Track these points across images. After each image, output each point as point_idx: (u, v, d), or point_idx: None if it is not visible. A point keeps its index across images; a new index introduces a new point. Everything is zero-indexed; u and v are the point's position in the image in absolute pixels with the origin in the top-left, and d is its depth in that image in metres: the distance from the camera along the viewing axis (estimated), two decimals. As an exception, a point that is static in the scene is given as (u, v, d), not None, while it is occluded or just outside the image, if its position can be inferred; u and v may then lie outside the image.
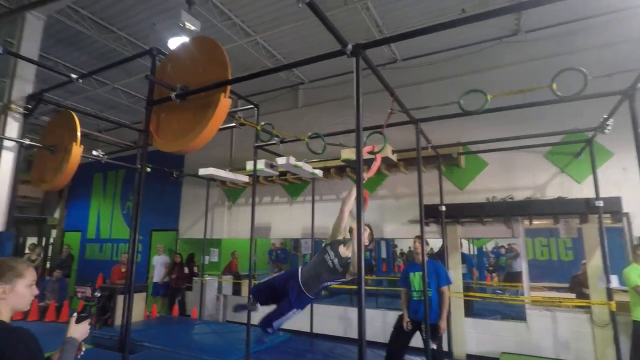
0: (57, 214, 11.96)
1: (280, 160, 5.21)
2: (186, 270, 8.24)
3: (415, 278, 4.26)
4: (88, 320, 1.77)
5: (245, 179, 6.74)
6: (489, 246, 10.59)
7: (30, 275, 1.63)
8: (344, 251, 3.05)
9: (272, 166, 5.78)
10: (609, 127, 3.84)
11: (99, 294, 8.40)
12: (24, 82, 4.99)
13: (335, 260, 3.01)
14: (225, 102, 3.14)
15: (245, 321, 7.41)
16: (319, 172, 5.99)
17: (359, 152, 2.37)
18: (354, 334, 6.50)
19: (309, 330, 6.41)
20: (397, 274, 12.00)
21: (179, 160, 9.08)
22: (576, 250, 8.18)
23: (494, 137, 5.25)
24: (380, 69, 7.04)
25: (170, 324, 6.91)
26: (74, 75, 4.23)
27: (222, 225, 8.43)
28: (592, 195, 5.01)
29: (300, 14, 5.64)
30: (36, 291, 1.67)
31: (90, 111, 6.13)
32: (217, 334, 6.25)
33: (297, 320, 6.87)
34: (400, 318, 4.32)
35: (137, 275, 7.36)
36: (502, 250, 10.02)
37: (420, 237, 4.27)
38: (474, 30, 5.90)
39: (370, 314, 6.51)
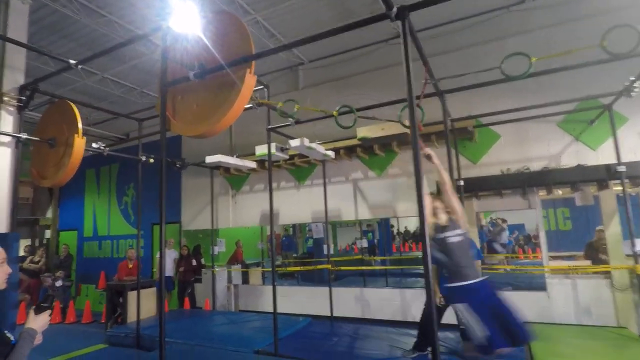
0: (49, 214, 11.54)
1: (294, 142, 5.03)
2: (194, 262, 8.05)
3: (446, 254, 4.19)
4: (49, 312, 1.73)
5: (253, 164, 6.53)
6: (484, 220, 10.71)
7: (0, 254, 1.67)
8: (443, 221, 3.11)
9: (282, 149, 5.60)
10: (636, 90, 3.78)
11: (61, 283, 8.22)
12: (15, 72, 4.65)
13: (454, 233, 3.02)
14: (251, 79, 2.94)
15: (259, 309, 7.39)
16: (331, 154, 5.83)
17: (413, 123, 2.22)
18: (372, 315, 6.52)
19: (328, 314, 6.36)
20: (396, 254, 12.07)
21: (176, 151, 8.79)
22: (575, 219, 8.32)
23: (506, 108, 5.18)
24: (383, 45, 6.89)
25: (184, 317, 6.76)
26: (72, 61, 3.92)
27: (227, 215, 8.24)
28: (608, 161, 5.02)
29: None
30: (9, 269, 1.70)
31: (84, 102, 5.79)
32: (235, 323, 6.14)
33: (316, 305, 6.84)
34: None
35: (142, 271, 7.23)
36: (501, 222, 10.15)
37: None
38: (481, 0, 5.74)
39: (389, 293, 6.50)
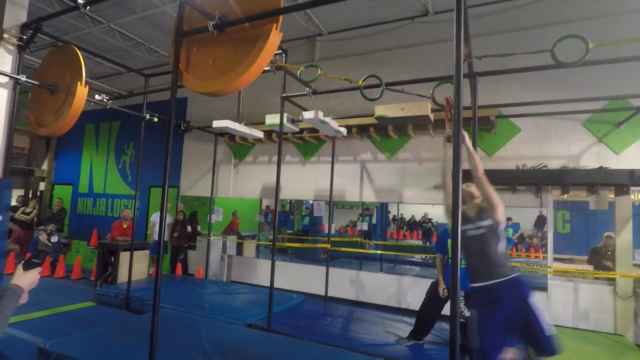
0: (45, 166, 11.30)
1: (307, 115, 4.79)
2: (189, 228, 7.90)
3: (454, 245, 4.05)
4: (39, 269, 1.51)
5: (260, 134, 6.30)
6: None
7: None
8: (472, 210, 2.70)
9: (293, 121, 5.37)
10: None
11: (57, 239, 8.01)
12: (18, 9, 4.32)
13: (475, 225, 2.63)
14: (276, 36, 2.68)
15: (251, 282, 7.31)
16: (344, 130, 5.60)
17: (458, 102, 2.00)
18: (366, 298, 6.44)
19: (322, 294, 6.28)
20: (390, 240, 12.04)
21: (181, 113, 8.50)
22: (575, 224, 8.23)
23: (531, 100, 4.94)
24: (409, 23, 6.56)
25: (176, 283, 6.66)
26: (80, 0, 3.61)
27: (228, 184, 8.04)
28: (629, 167, 4.85)
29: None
30: None
31: (91, 50, 5.45)
32: (228, 294, 6.04)
33: (309, 283, 6.76)
34: (435, 285, 4.14)
35: (136, 232, 7.07)
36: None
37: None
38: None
39: (385, 278, 6.40)
